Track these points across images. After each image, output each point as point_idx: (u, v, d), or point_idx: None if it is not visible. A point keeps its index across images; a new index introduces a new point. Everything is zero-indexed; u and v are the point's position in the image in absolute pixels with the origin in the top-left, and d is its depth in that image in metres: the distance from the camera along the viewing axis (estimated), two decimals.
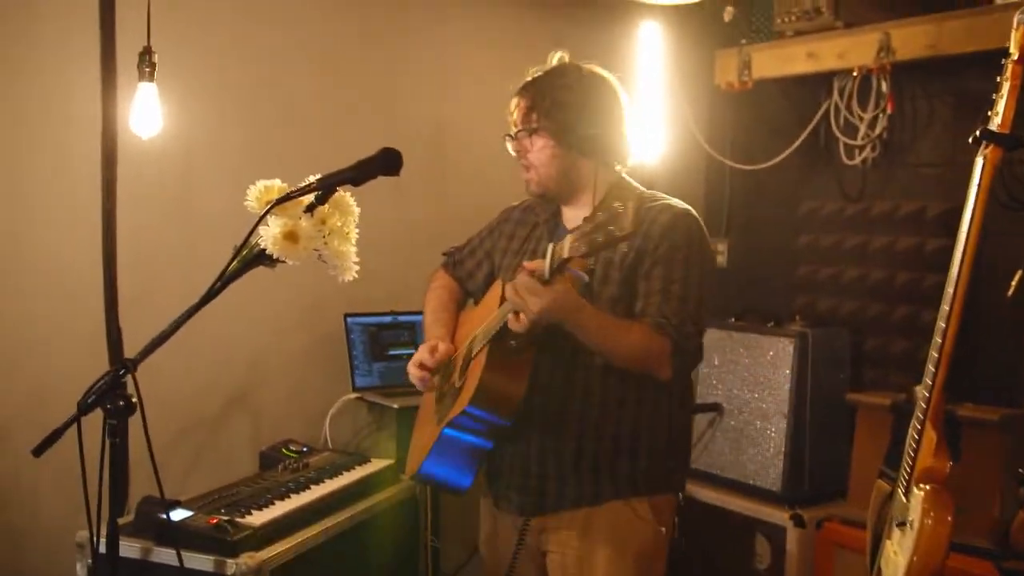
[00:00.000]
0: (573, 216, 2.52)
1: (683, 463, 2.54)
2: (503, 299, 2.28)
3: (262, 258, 2.10)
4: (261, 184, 2.10)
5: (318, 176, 2.08)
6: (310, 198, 2.09)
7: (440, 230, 4.22)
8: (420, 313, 4.26)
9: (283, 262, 2.08)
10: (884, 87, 3.95)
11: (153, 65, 3.00)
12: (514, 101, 2.49)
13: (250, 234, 2.03)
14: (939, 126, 4.12)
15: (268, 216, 2.05)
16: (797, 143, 4.50)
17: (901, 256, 4.13)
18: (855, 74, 3.98)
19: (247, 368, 3.81)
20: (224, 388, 3.76)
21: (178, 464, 3.63)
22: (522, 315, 2.12)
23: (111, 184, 3.09)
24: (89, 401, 2.09)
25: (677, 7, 4.21)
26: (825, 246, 4.51)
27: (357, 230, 2.17)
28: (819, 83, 4.43)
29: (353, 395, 3.94)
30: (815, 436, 3.96)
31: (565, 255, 2.01)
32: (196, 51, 3.62)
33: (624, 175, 2.54)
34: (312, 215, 2.10)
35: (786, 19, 4.07)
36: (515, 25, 4.46)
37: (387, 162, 2.10)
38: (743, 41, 4.43)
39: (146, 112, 3.10)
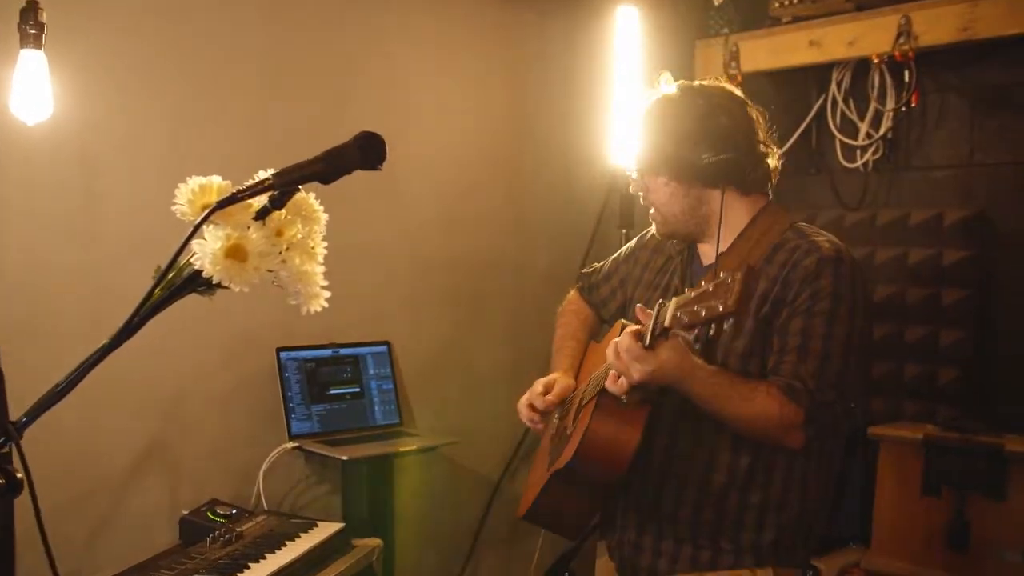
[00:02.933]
0: (708, 250, 2.34)
1: (815, 536, 2.33)
2: None
3: (196, 283, 1.62)
4: (195, 182, 1.61)
5: (272, 171, 1.57)
6: (263, 200, 1.59)
7: (388, 251, 3.88)
8: (364, 345, 4.05)
9: (225, 288, 1.58)
10: (907, 76, 3.64)
11: (41, 26, 2.43)
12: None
13: (180, 250, 1.54)
14: (953, 123, 3.85)
15: (205, 225, 1.54)
16: (787, 145, 4.13)
17: (914, 270, 3.80)
18: (876, 61, 3.63)
19: (162, 415, 3.39)
20: (135, 440, 3.33)
21: (80, 535, 3.18)
22: (621, 380, 2.03)
23: None
24: None
25: None
26: None
27: (325, 244, 1.67)
28: (810, 78, 4.09)
29: (290, 444, 3.53)
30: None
31: (666, 324, 1.89)
32: (101, 15, 3.12)
33: (769, 201, 2.36)
34: (265, 224, 1.60)
35: (785, 2, 3.74)
36: (476, 15, 4.07)
37: (367, 151, 1.64)
38: (725, 30, 4.06)
39: (32, 89, 2.51)
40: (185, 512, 3.16)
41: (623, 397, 2.06)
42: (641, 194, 2.35)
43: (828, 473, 2.28)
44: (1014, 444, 3.22)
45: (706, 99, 2.26)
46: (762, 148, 2.29)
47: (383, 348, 3.87)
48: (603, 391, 2.11)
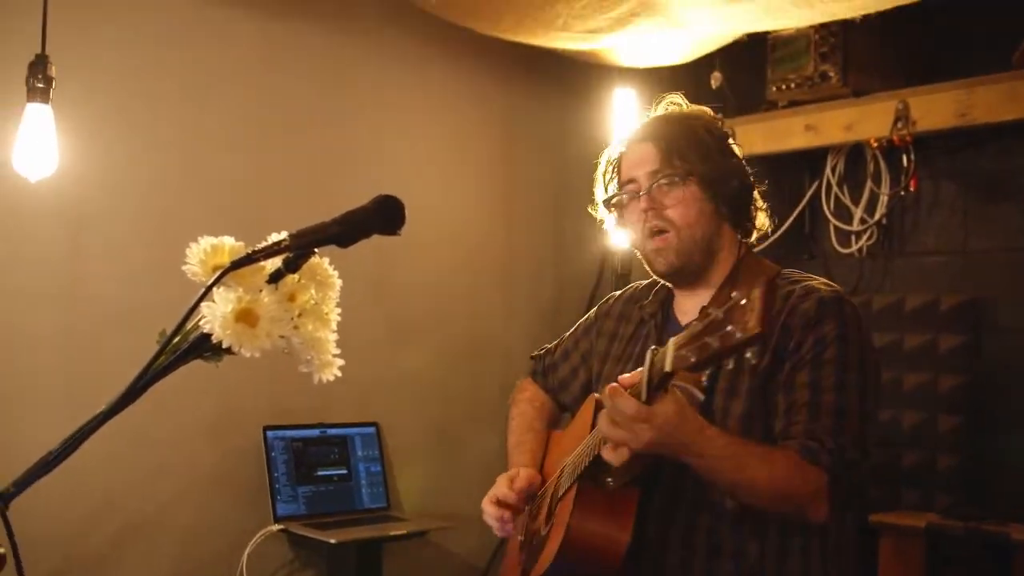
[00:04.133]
0: (692, 307, 2.02)
1: None
2: (595, 422, 1.83)
3: (202, 347, 1.55)
4: (207, 242, 1.56)
5: (287, 233, 1.52)
6: (276, 264, 1.53)
7: (377, 331, 3.81)
8: (353, 426, 3.97)
9: (233, 353, 1.51)
10: (905, 161, 3.65)
11: (49, 80, 2.38)
12: (634, 150, 2.06)
13: (189, 312, 1.47)
14: (947, 209, 3.86)
15: (215, 288, 1.48)
16: (782, 229, 4.12)
17: (909, 355, 3.77)
18: (873, 146, 3.64)
19: (142, 494, 3.30)
20: (113, 521, 3.24)
21: None
22: (621, 449, 1.69)
23: None
24: None
25: (655, 72, 3.82)
26: None
27: (338, 311, 1.62)
28: (805, 163, 4.11)
29: (275, 527, 3.45)
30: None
31: (667, 368, 1.53)
32: (104, 72, 3.13)
33: (750, 249, 2.12)
34: (277, 288, 1.54)
35: (782, 87, 3.75)
36: (470, 97, 4.08)
37: (385, 214, 1.58)
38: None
39: (38, 144, 2.44)
40: None
41: (609, 480, 1.80)
42: (650, 212, 1.98)
43: (850, 555, 1.98)
44: (1020, 533, 3.16)
45: (723, 126, 2.10)
46: (758, 194, 2.11)
47: (371, 429, 3.80)
48: (585, 477, 1.84)
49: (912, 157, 3.70)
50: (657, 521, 1.90)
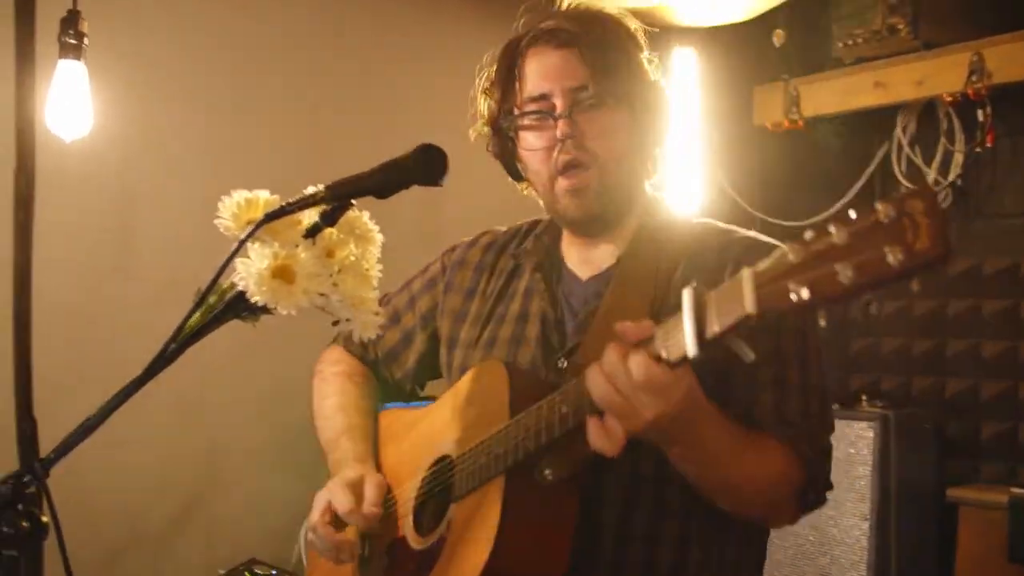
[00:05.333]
0: (588, 258, 1.69)
1: None
2: (518, 394, 1.49)
3: (239, 306, 1.49)
4: (240, 195, 1.49)
5: (323, 185, 1.45)
6: (313, 216, 1.46)
7: None
8: (415, 399, 3.84)
9: (270, 312, 1.45)
10: (981, 116, 3.52)
11: (81, 36, 2.34)
12: (547, 56, 1.63)
13: (222, 269, 1.41)
14: None
15: (250, 243, 1.41)
16: (851, 192, 4.00)
17: (989, 322, 3.65)
18: (948, 100, 3.51)
19: (200, 469, 3.30)
20: (170, 496, 3.25)
21: None
22: (615, 424, 1.30)
23: (26, 225, 2.43)
24: None
25: (715, 32, 3.70)
26: (888, 314, 4.03)
27: (379, 267, 1.54)
28: (874, 123, 3.98)
29: None
30: (904, 541, 3.50)
31: (750, 309, 1.09)
32: (139, 28, 3.08)
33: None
34: (314, 243, 1.47)
35: (848, 43, 3.64)
36: None
37: (427, 165, 1.50)
38: (784, 75, 3.96)
39: (71, 103, 2.39)
40: (222, 572, 3.07)
41: (547, 473, 1.43)
42: (569, 141, 1.59)
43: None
44: None
45: (633, 21, 1.71)
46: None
47: (429, 402, 3.74)
48: (516, 471, 1.45)
49: (988, 112, 3.58)
50: (599, 520, 1.53)
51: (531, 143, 1.66)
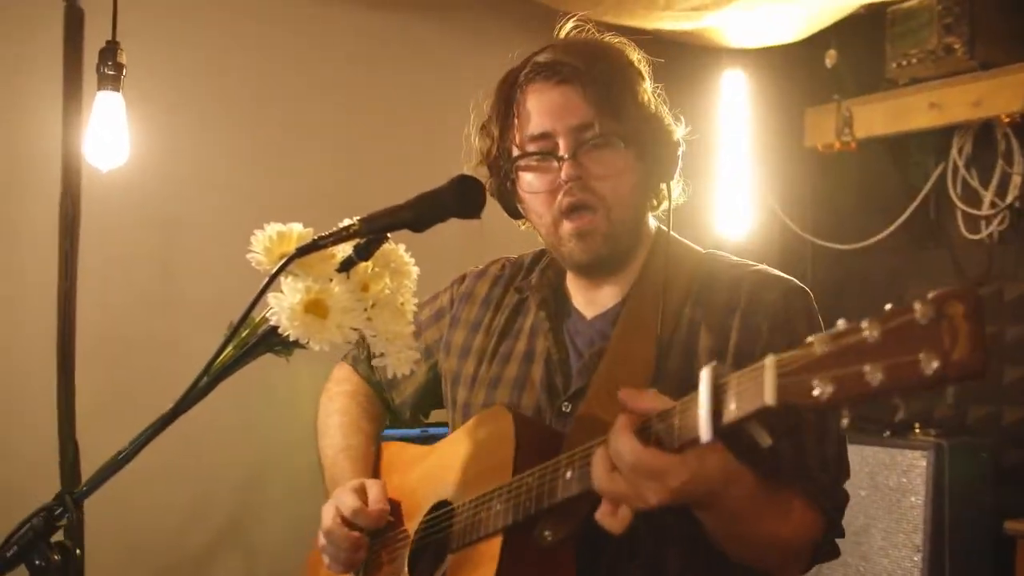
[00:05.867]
0: (594, 298, 1.65)
1: None
2: (523, 449, 1.45)
3: (271, 341, 1.48)
4: (273, 229, 1.48)
5: (358, 218, 1.43)
6: (347, 251, 1.44)
7: None
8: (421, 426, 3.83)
9: (303, 347, 1.43)
10: None
11: (120, 67, 2.35)
12: (549, 94, 1.57)
13: (253, 304, 1.39)
14: None
15: (283, 277, 1.40)
16: (905, 215, 3.92)
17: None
18: (1006, 121, 3.43)
19: (239, 495, 3.31)
20: (210, 519, 3.26)
21: None
22: (622, 509, 1.24)
23: (71, 254, 2.45)
24: (7, 556, 1.46)
25: (766, 52, 3.66)
26: None
27: (415, 301, 1.52)
28: (928, 144, 3.90)
29: None
30: (958, 574, 3.36)
31: (769, 401, 1.04)
32: (178, 58, 3.11)
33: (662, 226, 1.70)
34: (349, 277, 1.46)
35: (903, 63, 3.56)
36: None
37: (464, 197, 1.47)
38: (836, 96, 3.89)
39: (109, 133, 2.41)
40: None
41: (547, 534, 1.38)
42: (572, 182, 1.53)
43: None
44: None
45: (634, 54, 1.65)
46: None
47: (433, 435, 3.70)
48: (515, 528, 1.41)
49: None
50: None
51: (533, 185, 1.60)
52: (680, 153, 1.63)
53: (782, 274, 1.57)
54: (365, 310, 1.48)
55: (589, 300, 1.66)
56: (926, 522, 3.31)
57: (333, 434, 1.90)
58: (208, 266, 3.13)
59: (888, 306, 0.97)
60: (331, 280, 1.45)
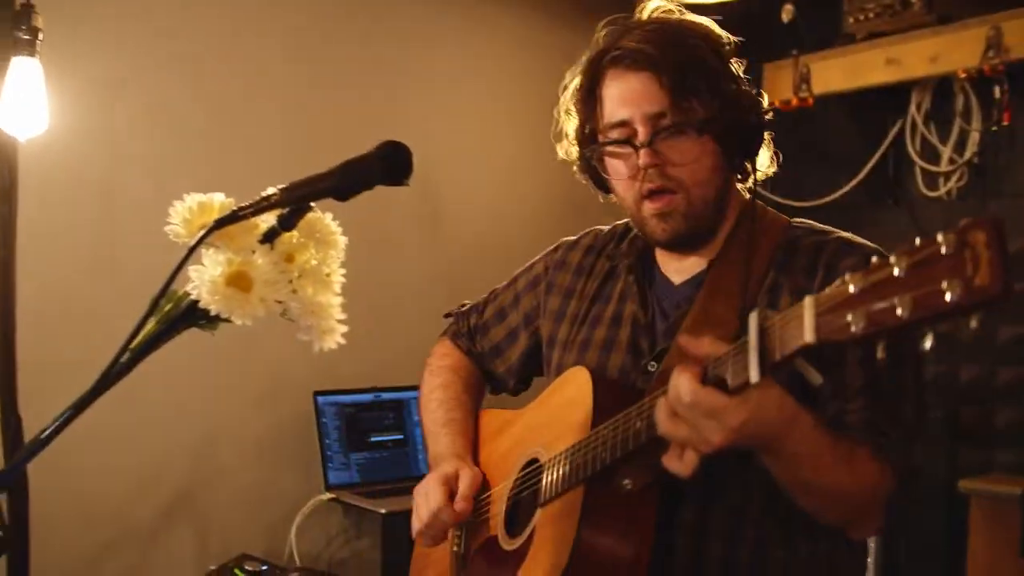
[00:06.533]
0: (682, 265, 1.70)
1: None
2: (601, 405, 1.55)
3: (193, 316, 1.44)
4: (193, 199, 1.43)
5: (281, 186, 1.39)
6: (270, 220, 1.40)
7: (431, 289, 3.72)
8: (409, 389, 3.85)
9: (227, 321, 1.40)
10: (997, 93, 3.43)
11: (35, 31, 2.28)
12: (625, 80, 1.61)
13: (172, 277, 1.35)
14: None
15: (204, 249, 1.36)
16: (864, 172, 3.92)
17: (1005, 306, 3.52)
18: (962, 77, 3.41)
19: (190, 462, 3.28)
20: (161, 489, 3.24)
21: None
22: (688, 453, 1.32)
23: (9, 220, 2.39)
24: None
25: (722, 7, 3.60)
26: None
27: (342, 272, 1.48)
28: (887, 100, 3.89)
29: (326, 496, 3.40)
30: (913, 532, 3.47)
31: (809, 339, 1.12)
32: (122, 24, 3.05)
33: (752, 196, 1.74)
34: (273, 248, 1.43)
35: (860, 18, 3.55)
36: (529, 38, 3.92)
37: (390, 164, 1.44)
38: (793, 52, 3.85)
39: (25, 100, 2.35)
40: (212, 567, 3.03)
41: (626, 483, 1.47)
42: (650, 169, 1.58)
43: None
44: None
45: (717, 32, 1.67)
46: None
47: None
48: (596, 479, 1.51)
49: (1006, 88, 3.47)
50: (684, 530, 1.56)
51: (615, 169, 1.66)
52: (764, 130, 1.66)
53: (864, 241, 1.62)
54: (290, 281, 1.45)
55: (676, 268, 1.72)
56: None
57: (435, 408, 1.98)
58: (149, 236, 3.08)
59: (917, 239, 1.02)
60: (254, 252, 1.41)
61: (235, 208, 1.37)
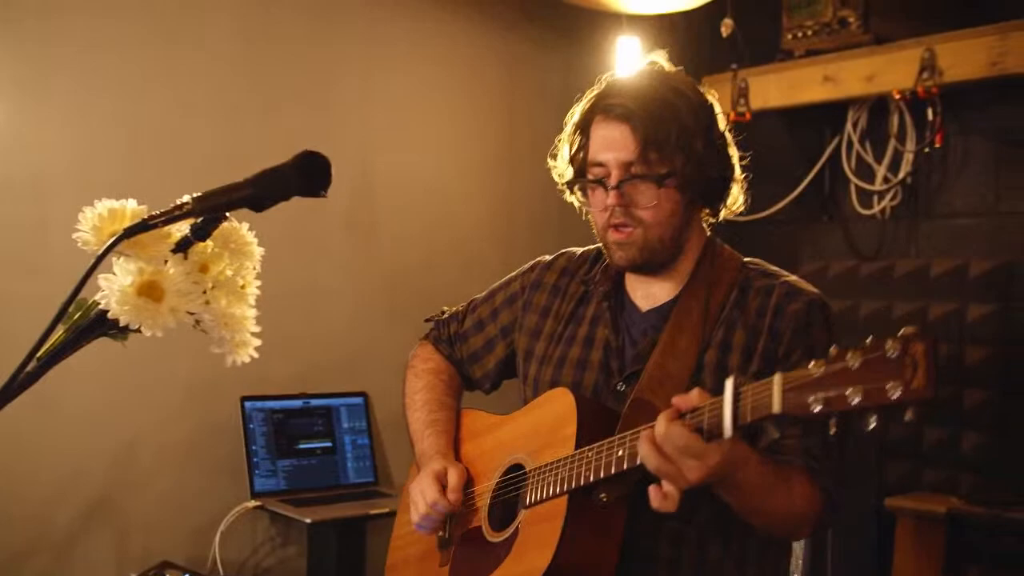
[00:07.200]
0: (649, 292, 1.95)
1: None
2: (583, 424, 1.78)
3: (102, 325, 1.41)
4: (104, 206, 1.41)
5: (195, 195, 1.37)
6: (183, 229, 1.38)
7: (365, 294, 3.70)
8: (338, 396, 3.83)
9: (136, 331, 1.37)
10: (931, 115, 3.48)
11: None
12: (607, 128, 1.85)
13: (80, 286, 1.33)
14: (977, 167, 3.70)
15: (115, 258, 1.35)
16: (799, 189, 3.97)
17: (935, 325, 3.63)
18: (896, 98, 3.46)
19: (111, 467, 3.21)
20: (80, 494, 3.16)
21: None
22: (670, 487, 1.56)
23: None
24: None
25: (662, 20, 3.63)
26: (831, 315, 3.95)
27: (258, 284, 1.46)
28: (824, 117, 3.94)
29: (252, 503, 3.36)
30: (838, 554, 3.38)
31: (776, 410, 1.40)
32: (61, 21, 3.02)
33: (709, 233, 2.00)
34: (186, 257, 1.41)
35: (798, 35, 3.59)
36: (461, 43, 3.96)
37: (308, 174, 1.43)
38: (733, 65, 3.88)
39: None
40: (133, 575, 3.01)
41: (603, 497, 1.71)
42: (618, 208, 1.82)
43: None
44: None
45: (703, 97, 1.89)
46: (739, 170, 1.94)
47: (359, 400, 3.67)
48: (579, 492, 1.73)
49: (939, 110, 3.53)
50: (644, 535, 1.82)
51: (591, 200, 1.90)
52: (728, 184, 1.90)
53: (807, 286, 1.87)
54: (204, 292, 1.42)
55: (644, 295, 1.94)
56: None
57: (420, 408, 2.16)
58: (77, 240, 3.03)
59: (868, 339, 1.28)
60: (166, 261, 1.39)
61: (146, 216, 1.35)
